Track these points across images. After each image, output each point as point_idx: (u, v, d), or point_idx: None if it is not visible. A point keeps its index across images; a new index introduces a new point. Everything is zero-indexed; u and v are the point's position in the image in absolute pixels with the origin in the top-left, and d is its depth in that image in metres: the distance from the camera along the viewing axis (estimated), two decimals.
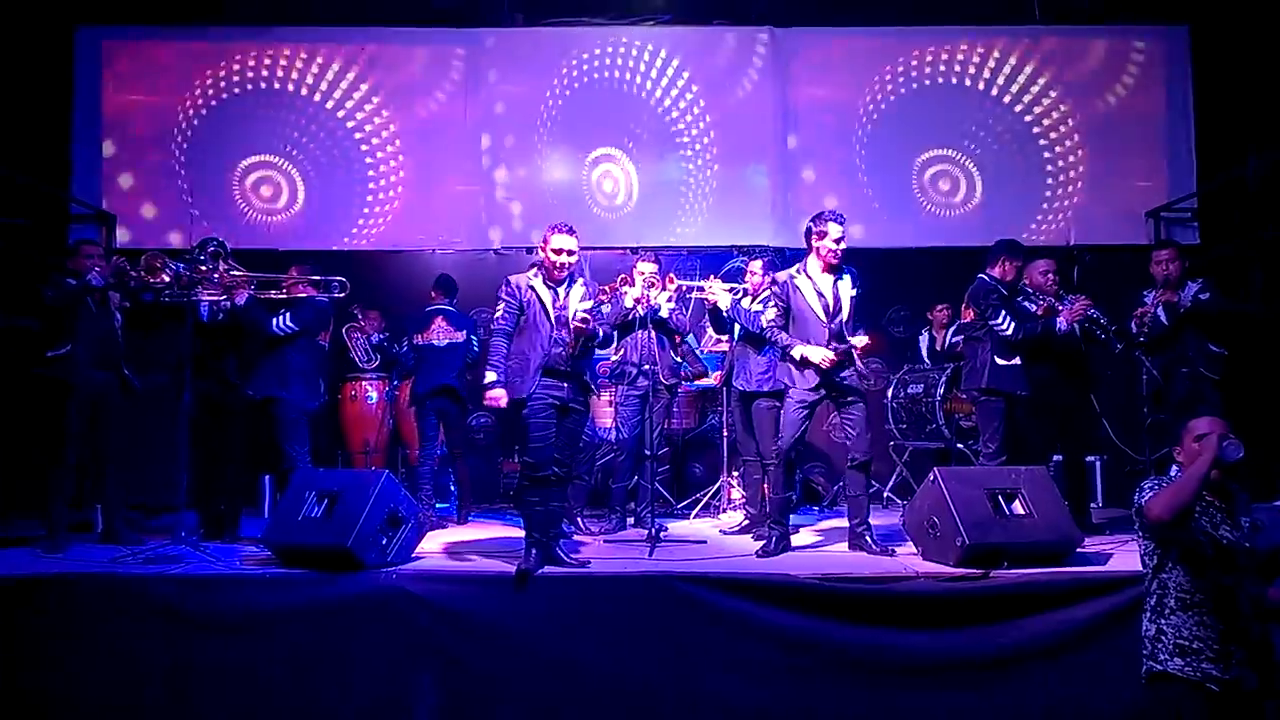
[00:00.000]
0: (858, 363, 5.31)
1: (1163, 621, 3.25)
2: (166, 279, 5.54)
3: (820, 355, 5.17)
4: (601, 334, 5.16)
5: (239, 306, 5.78)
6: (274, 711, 4.45)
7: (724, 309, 6.14)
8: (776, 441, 5.92)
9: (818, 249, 5.28)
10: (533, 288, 4.94)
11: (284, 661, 4.46)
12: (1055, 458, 6.26)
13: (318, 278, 6.05)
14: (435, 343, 6.73)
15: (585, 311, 4.88)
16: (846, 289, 5.31)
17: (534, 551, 4.74)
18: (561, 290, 4.95)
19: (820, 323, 5.25)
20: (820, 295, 5.27)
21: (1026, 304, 5.89)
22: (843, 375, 5.27)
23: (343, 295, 6.07)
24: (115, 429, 5.69)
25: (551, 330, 4.86)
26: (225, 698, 4.45)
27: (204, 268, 5.57)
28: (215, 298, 5.74)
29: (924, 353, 8.06)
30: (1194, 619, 3.19)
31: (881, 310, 8.45)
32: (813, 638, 4.44)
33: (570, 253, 4.91)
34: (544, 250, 4.98)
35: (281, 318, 5.89)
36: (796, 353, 5.22)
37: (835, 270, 5.31)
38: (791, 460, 5.39)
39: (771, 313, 5.50)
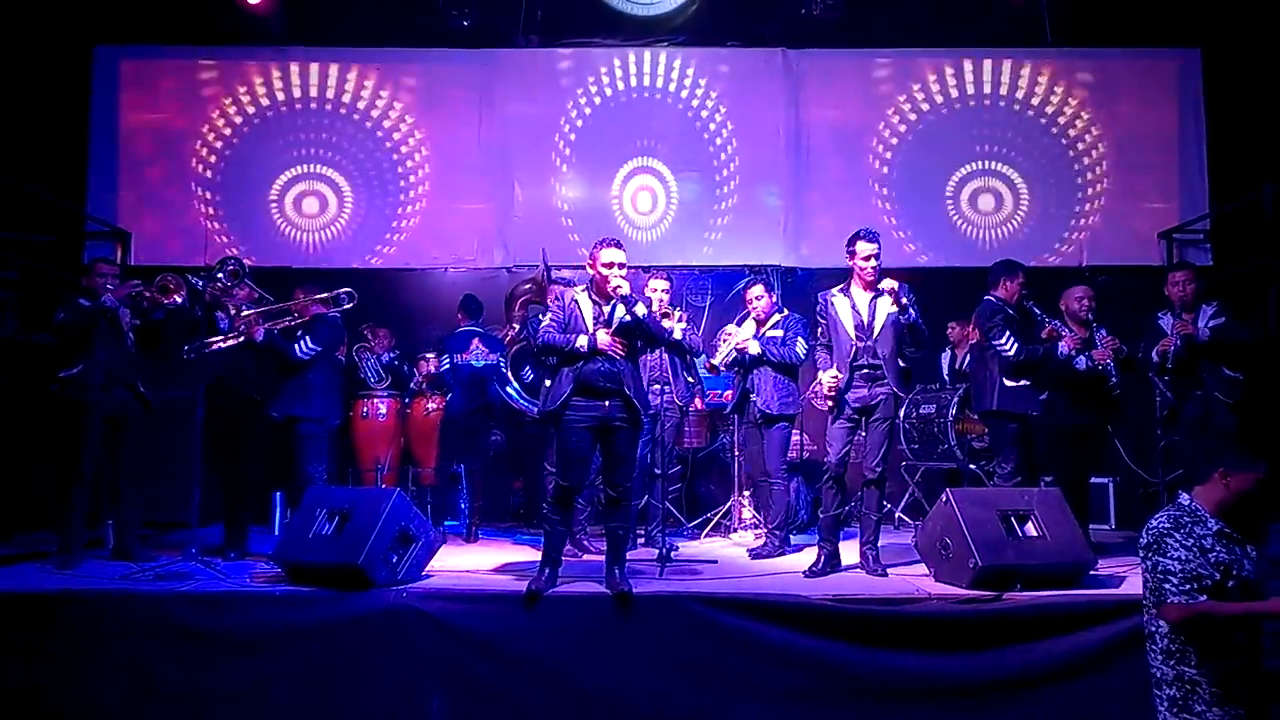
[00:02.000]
0: (892, 384, 5.24)
1: (1189, 669, 3.13)
2: (179, 300, 5.61)
3: (827, 379, 5.28)
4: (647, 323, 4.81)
5: (259, 343, 5.87)
6: None
7: (755, 352, 6.10)
8: (784, 462, 5.97)
9: (853, 267, 5.33)
10: (577, 301, 4.83)
11: (294, 679, 4.46)
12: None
13: (326, 294, 6.09)
14: (474, 363, 6.81)
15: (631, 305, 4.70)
16: (885, 307, 5.27)
17: (546, 570, 4.70)
18: (608, 309, 4.80)
19: (850, 340, 5.28)
20: (856, 312, 5.30)
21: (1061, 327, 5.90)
22: (876, 393, 5.26)
23: (351, 305, 6.11)
24: (130, 447, 5.71)
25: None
26: (234, 715, 4.44)
27: (221, 285, 5.64)
28: (234, 342, 5.80)
29: (944, 371, 8.02)
30: (1224, 663, 3.10)
31: None
32: (824, 659, 4.42)
33: (621, 266, 4.77)
34: (593, 267, 4.85)
35: (303, 342, 5.97)
36: (822, 378, 5.35)
37: (874, 288, 5.30)
38: (841, 476, 5.33)
39: (777, 332, 5.87)
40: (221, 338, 5.74)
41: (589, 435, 4.72)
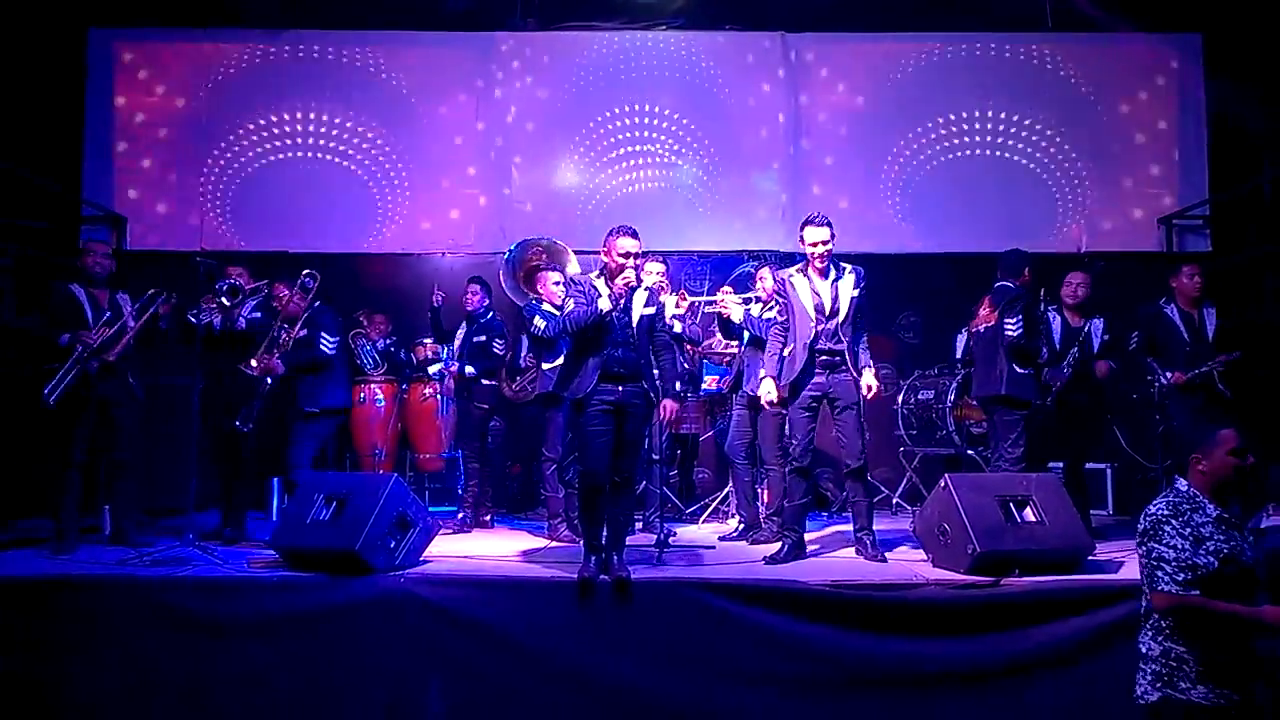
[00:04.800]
0: (852, 370, 5.24)
1: (1178, 647, 3.14)
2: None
3: (765, 393, 5.32)
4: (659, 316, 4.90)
5: (285, 371, 5.91)
6: (280, 715, 4.43)
7: (737, 320, 6.12)
8: (779, 449, 5.97)
9: (805, 253, 5.30)
10: (595, 286, 4.78)
11: (291, 664, 4.45)
12: (1056, 465, 6.28)
13: (296, 288, 6.08)
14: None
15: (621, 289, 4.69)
16: (847, 290, 5.26)
17: (592, 559, 4.67)
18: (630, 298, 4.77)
19: (810, 321, 5.25)
20: (815, 294, 5.27)
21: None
22: (835, 379, 5.25)
23: (314, 285, 6.10)
24: (124, 432, 5.68)
25: (610, 333, 4.72)
26: (232, 700, 4.44)
27: (223, 305, 5.86)
28: (268, 384, 5.87)
29: (958, 352, 7.87)
30: (1215, 643, 3.10)
31: (892, 316, 8.42)
32: (822, 645, 4.42)
33: (635, 255, 4.75)
34: (608, 255, 4.81)
35: (324, 341, 6.03)
36: (761, 391, 5.36)
37: (826, 272, 5.28)
38: (806, 467, 5.34)
39: (771, 314, 5.72)
40: (254, 371, 5.81)
41: (608, 418, 4.69)
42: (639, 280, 4.78)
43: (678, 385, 5.20)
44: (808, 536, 5.56)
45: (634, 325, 4.77)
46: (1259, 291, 7.38)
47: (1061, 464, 6.28)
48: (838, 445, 5.39)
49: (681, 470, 7.73)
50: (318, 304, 6.12)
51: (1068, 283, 6.26)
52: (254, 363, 5.79)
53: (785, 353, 5.32)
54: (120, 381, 5.62)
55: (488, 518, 6.76)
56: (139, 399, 5.73)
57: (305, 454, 6.03)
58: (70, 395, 5.40)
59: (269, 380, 5.85)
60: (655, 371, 4.87)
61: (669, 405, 4.88)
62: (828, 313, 5.25)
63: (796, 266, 5.41)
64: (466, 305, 6.77)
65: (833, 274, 5.29)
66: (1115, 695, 4.23)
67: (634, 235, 4.80)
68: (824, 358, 5.24)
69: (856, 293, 5.25)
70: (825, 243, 5.22)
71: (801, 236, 5.29)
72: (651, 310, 4.83)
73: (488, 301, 6.81)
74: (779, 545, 5.34)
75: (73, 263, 5.83)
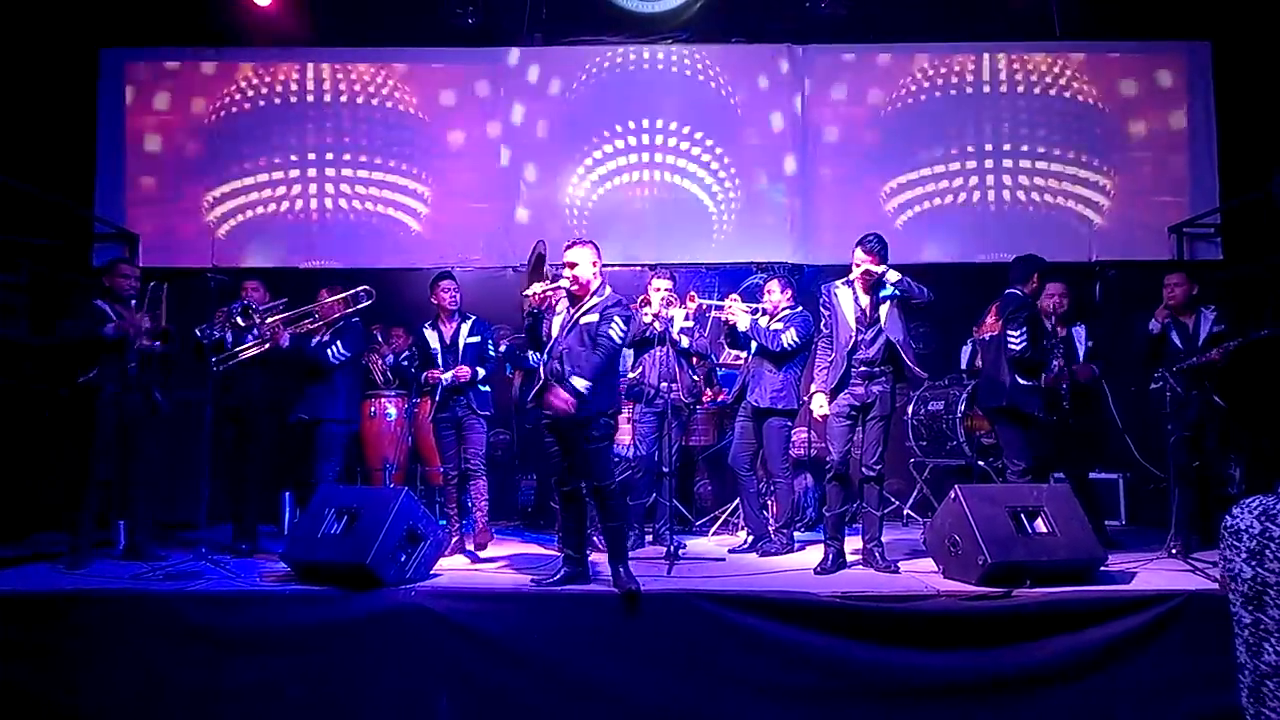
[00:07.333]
0: (913, 367, 5.33)
1: None
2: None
3: (817, 407, 5.41)
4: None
5: (287, 349, 6.02)
6: None
7: (743, 328, 6.14)
8: (786, 460, 5.97)
9: (853, 267, 5.36)
10: (554, 305, 4.88)
11: (303, 678, 4.46)
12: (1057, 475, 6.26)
13: (344, 294, 6.18)
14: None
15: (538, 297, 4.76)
16: (889, 305, 5.32)
17: (564, 565, 4.82)
18: (578, 309, 4.81)
19: (850, 330, 5.32)
20: (858, 304, 5.34)
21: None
22: (873, 390, 5.29)
23: (370, 303, 6.25)
24: (143, 448, 5.71)
25: (546, 346, 4.84)
26: (244, 713, 4.44)
27: (237, 325, 5.88)
28: (259, 350, 5.94)
29: (964, 363, 7.87)
30: None
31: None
32: (833, 657, 4.40)
33: (571, 265, 4.77)
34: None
35: (335, 348, 6.17)
36: (814, 405, 5.46)
37: (875, 289, 5.33)
38: (846, 475, 5.38)
39: (778, 325, 5.87)
40: (247, 346, 5.91)
41: (550, 429, 4.83)
42: (549, 285, 4.81)
43: (580, 383, 4.59)
44: (816, 549, 5.55)
45: (563, 336, 4.78)
46: (1274, 300, 7.33)
47: (1063, 475, 6.25)
48: (858, 452, 5.41)
49: (691, 483, 7.71)
50: (355, 320, 6.26)
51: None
52: (269, 320, 5.90)
53: (829, 362, 5.40)
54: (142, 397, 5.67)
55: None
56: (163, 414, 5.79)
57: (330, 466, 6.18)
58: (94, 411, 5.46)
59: (267, 346, 5.93)
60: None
61: (561, 394, 4.55)
62: (868, 321, 5.31)
63: (842, 279, 5.47)
64: (449, 304, 6.19)
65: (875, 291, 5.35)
66: (1128, 707, 4.24)
67: (575, 245, 4.84)
68: (863, 368, 5.29)
69: (895, 292, 5.29)
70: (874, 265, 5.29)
71: (855, 253, 5.35)
72: (594, 319, 4.71)
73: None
74: (824, 555, 5.35)
75: (97, 280, 5.89)
